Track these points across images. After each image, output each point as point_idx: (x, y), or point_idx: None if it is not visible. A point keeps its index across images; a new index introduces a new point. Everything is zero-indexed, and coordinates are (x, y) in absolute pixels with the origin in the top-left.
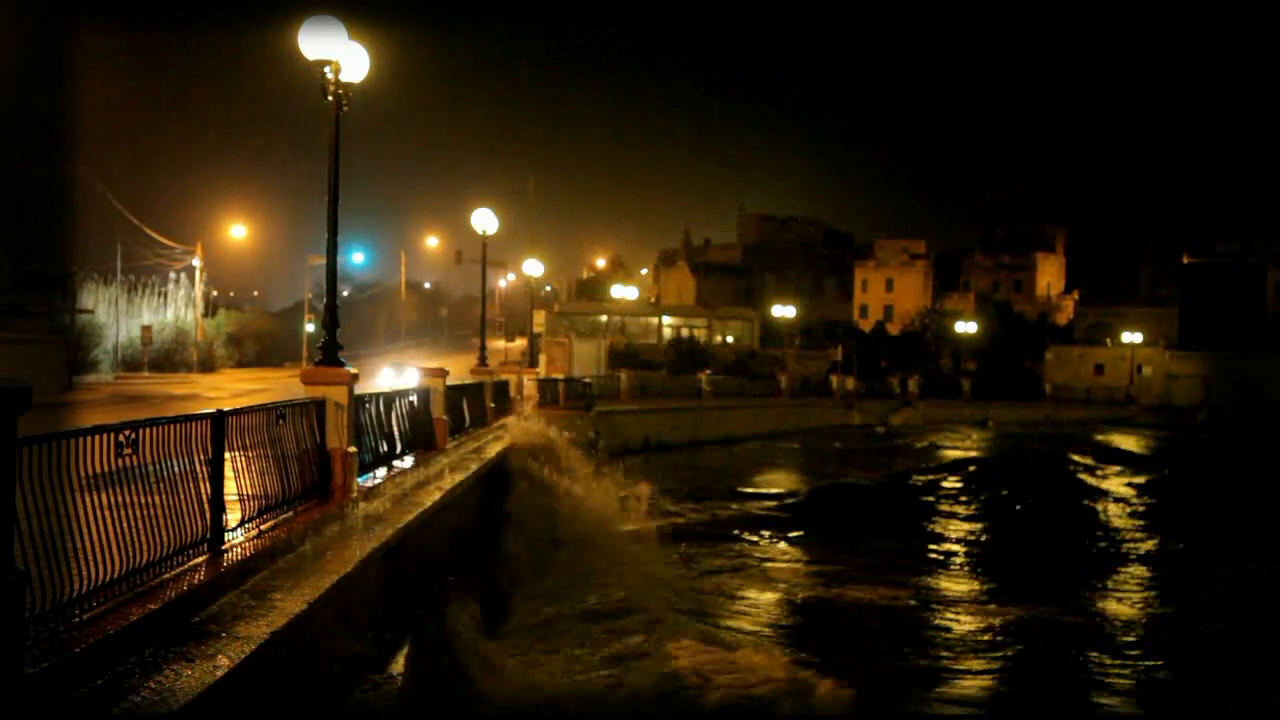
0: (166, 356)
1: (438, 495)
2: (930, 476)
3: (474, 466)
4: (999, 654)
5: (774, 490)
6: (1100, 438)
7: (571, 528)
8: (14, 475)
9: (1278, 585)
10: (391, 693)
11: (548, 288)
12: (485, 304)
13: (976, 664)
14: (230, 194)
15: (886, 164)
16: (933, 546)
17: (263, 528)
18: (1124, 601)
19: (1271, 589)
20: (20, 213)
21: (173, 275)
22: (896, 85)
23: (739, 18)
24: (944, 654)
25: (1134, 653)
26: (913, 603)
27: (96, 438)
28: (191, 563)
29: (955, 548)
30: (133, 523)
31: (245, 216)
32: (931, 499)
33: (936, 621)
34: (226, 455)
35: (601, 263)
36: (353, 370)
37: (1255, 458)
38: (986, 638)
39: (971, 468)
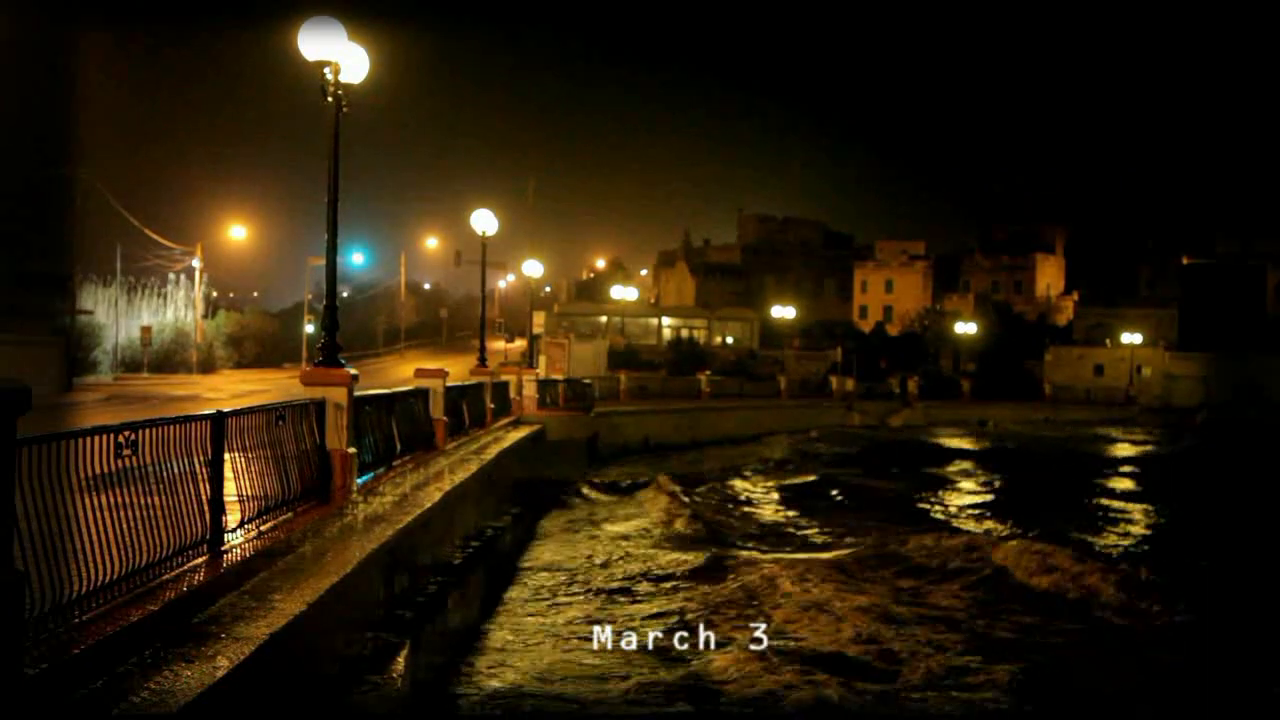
0: (166, 357)
1: (437, 496)
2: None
3: (474, 467)
4: None
5: None
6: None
7: None
8: (14, 476)
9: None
10: (391, 693)
11: (547, 288)
12: (485, 305)
13: None
14: (230, 195)
15: (886, 164)
16: None
17: (263, 528)
18: None
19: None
20: (20, 213)
21: (172, 276)
22: (896, 86)
23: (739, 18)
24: None
25: None
26: None
27: (96, 438)
28: (191, 564)
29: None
30: (132, 523)
31: (245, 217)
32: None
33: None
34: (226, 456)
35: (601, 263)
36: (353, 371)
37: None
38: None
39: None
